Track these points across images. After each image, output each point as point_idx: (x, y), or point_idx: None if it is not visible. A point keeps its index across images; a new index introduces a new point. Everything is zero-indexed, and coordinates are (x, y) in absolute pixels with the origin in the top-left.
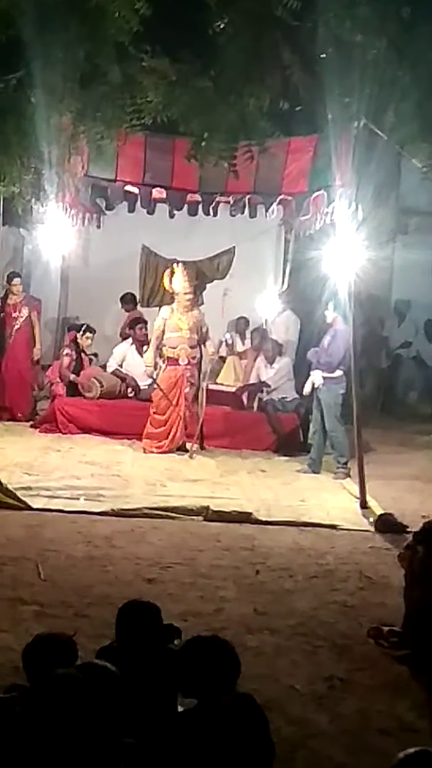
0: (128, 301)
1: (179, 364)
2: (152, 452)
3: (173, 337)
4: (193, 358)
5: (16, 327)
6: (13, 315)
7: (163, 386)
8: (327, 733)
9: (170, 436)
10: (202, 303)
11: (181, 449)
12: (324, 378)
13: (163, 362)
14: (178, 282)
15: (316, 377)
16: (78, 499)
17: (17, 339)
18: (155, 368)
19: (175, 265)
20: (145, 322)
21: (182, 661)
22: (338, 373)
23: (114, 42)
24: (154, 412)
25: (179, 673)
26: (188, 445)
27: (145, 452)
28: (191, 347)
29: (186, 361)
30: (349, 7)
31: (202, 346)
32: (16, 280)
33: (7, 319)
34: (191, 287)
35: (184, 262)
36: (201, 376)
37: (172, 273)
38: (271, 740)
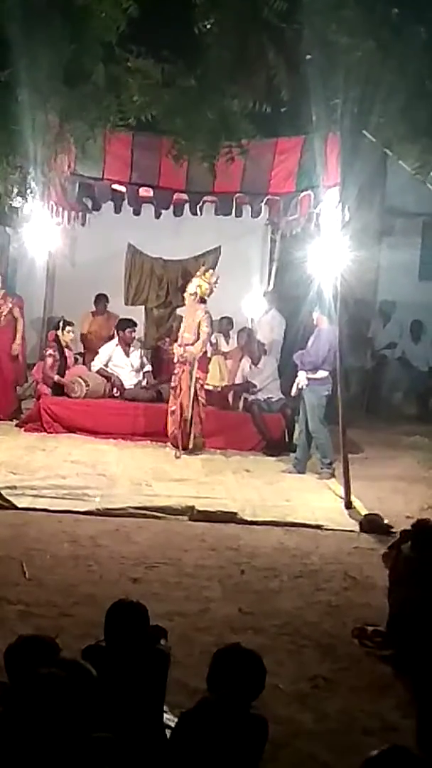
0: (102, 302)
1: (179, 362)
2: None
3: (182, 336)
4: (182, 356)
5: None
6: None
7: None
8: (311, 733)
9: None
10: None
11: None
12: (308, 379)
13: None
14: (192, 285)
15: (301, 378)
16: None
17: (2, 337)
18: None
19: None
20: (135, 324)
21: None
22: (322, 373)
23: (100, 42)
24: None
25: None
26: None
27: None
28: (180, 345)
29: (176, 360)
30: (336, 9)
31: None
32: None
33: None
34: (196, 287)
35: (170, 261)
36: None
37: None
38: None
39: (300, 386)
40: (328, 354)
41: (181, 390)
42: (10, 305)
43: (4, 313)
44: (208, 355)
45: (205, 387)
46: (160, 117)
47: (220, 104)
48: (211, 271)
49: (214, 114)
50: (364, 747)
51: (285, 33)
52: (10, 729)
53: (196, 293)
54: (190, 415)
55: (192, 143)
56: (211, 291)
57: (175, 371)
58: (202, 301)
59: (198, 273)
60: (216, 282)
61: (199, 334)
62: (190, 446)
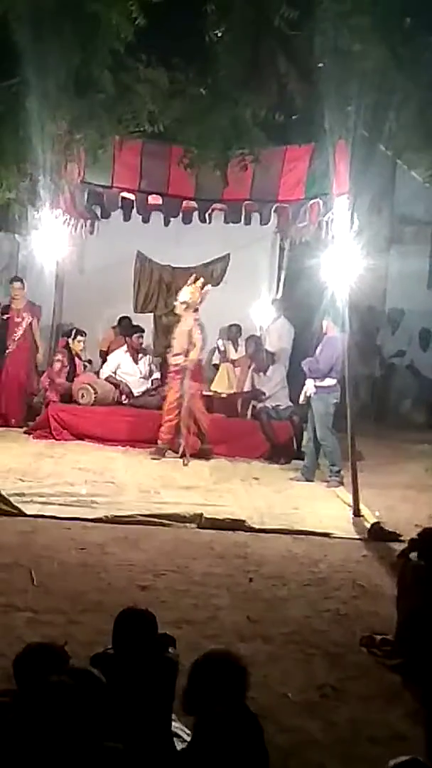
0: (125, 326)
1: (174, 371)
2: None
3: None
4: (175, 365)
5: (19, 333)
6: (16, 320)
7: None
8: (319, 742)
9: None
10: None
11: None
12: (316, 387)
13: None
14: (184, 293)
15: (309, 386)
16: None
17: (20, 346)
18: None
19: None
20: (142, 330)
21: (193, 678)
22: (330, 381)
23: (109, 50)
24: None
25: (188, 691)
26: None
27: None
28: (174, 355)
29: (171, 371)
30: (347, 17)
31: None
32: (17, 284)
33: (10, 324)
34: (189, 298)
35: (178, 269)
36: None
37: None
38: (266, 748)
39: (308, 394)
40: (336, 362)
41: (176, 399)
42: (30, 318)
43: (25, 325)
44: (216, 362)
45: (212, 394)
46: (171, 125)
47: (231, 112)
48: (201, 279)
49: (225, 122)
50: (373, 756)
51: (296, 41)
52: (20, 737)
53: (187, 302)
54: (187, 424)
55: (204, 151)
56: (202, 300)
57: (168, 381)
58: (194, 310)
59: (189, 281)
60: (206, 291)
61: (191, 343)
62: (188, 454)
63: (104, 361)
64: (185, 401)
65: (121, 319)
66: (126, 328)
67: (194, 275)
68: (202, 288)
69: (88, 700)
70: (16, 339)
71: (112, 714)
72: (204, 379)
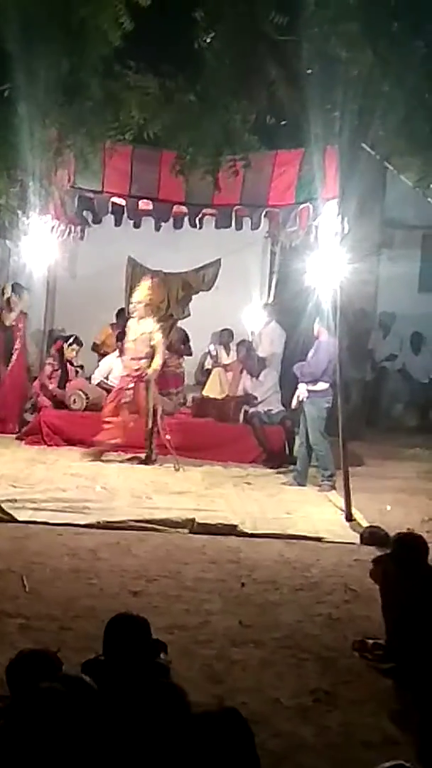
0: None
1: (129, 375)
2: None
3: (127, 349)
4: (136, 370)
5: (19, 341)
6: (19, 326)
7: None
8: (312, 746)
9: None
10: (189, 314)
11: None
12: (308, 391)
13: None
14: (139, 291)
15: (301, 390)
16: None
17: (20, 353)
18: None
19: (146, 276)
20: None
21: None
22: (322, 385)
23: (98, 56)
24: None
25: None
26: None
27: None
28: (132, 359)
29: (125, 373)
30: (336, 23)
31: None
32: (25, 293)
33: (14, 332)
34: (146, 298)
35: (170, 274)
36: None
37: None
38: (256, 754)
39: (300, 398)
40: (328, 366)
41: (137, 406)
42: (23, 324)
43: (21, 332)
44: (208, 366)
45: (204, 398)
46: (161, 132)
47: (221, 118)
48: (156, 279)
49: (216, 128)
50: (365, 761)
51: (285, 47)
52: (12, 743)
53: (145, 302)
54: (151, 431)
55: (195, 157)
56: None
57: (129, 386)
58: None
59: (144, 280)
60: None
61: (152, 347)
62: (154, 458)
63: (97, 352)
64: (151, 407)
65: (120, 311)
66: (126, 320)
67: (150, 275)
68: (152, 289)
69: (79, 706)
70: (18, 347)
71: (104, 721)
72: (179, 383)
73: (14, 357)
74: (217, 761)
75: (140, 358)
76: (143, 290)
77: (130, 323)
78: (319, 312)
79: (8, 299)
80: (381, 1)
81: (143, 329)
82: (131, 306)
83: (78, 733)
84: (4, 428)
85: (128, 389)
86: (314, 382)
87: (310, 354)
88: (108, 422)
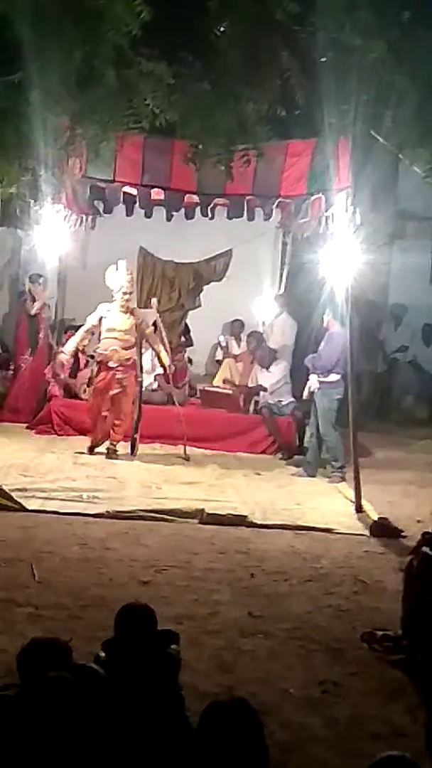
0: None
1: (109, 368)
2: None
3: (107, 338)
4: (127, 359)
5: (42, 331)
6: (42, 316)
7: (93, 390)
8: (320, 738)
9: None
10: (200, 305)
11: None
12: (319, 382)
13: (96, 364)
14: (118, 279)
15: (313, 381)
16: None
17: (43, 345)
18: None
19: (120, 261)
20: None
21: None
22: (334, 377)
23: (112, 45)
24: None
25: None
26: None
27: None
28: (124, 349)
29: (117, 364)
30: (349, 12)
31: (159, 348)
32: (44, 282)
33: (38, 322)
34: (131, 286)
35: (181, 264)
36: (139, 377)
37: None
38: (266, 744)
39: (312, 389)
40: (340, 357)
41: (125, 394)
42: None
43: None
44: (219, 357)
45: (216, 390)
46: (174, 120)
47: (235, 107)
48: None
49: (229, 116)
50: (374, 752)
51: (298, 35)
52: (22, 731)
53: (129, 291)
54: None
55: (207, 146)
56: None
57: (119, 375)
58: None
59: (119, 268)
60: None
61: (141, 335)
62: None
63: None
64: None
65: None
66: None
67: (119, 262)
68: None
69: (88, 695)
70: (42, 337)
71: (115, 709)
72: (183, 375)
73: (39, 346)
74: (227, 751)
75: (129, 348)
76: (123, 279)
77: (113, 312)
78: (330, 303)
79: (29, 290)
80: None
81: (134, 319)
82: (118, 295)
83: (86, 722)
84: (17, 418)
85: (120, 378)
86: (326, 373)
87: (321, 346)
88: (118, 422)
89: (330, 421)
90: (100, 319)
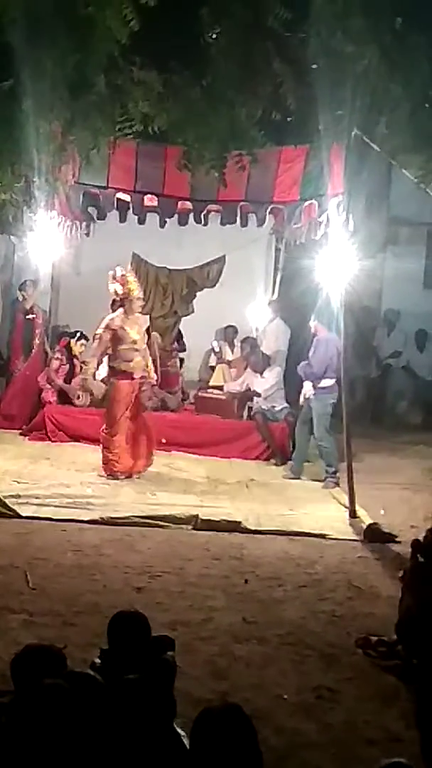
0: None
1: (134, 378)
2: (118, 477)
3: (127, 349)
4: (144, 367)
5: (38, 337)
6: (38, 321)
7: (119, 402)
8: (315, 743)
9: (139, 456)
10: (193, 311)
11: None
12: (314, 388)
13: (114, 376)
14: (135, 286)
15: (307, 388)
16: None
17: (37, 351)
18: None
19: (119, 268)
20: None
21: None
22: (328, 382)
23: (104, 52)
24: (108, 434)
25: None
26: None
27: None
28: (142, 357)
29: (140, 374)
30: (341, 18)
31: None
32: (30, 288)
33: (34, 326)
34: (140, 291)
35: (174, 271)
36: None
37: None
38: (259, 750)
39: (307, 396)
40: (331, 362)
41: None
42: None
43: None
44: (212, 363)
45: (210, 395)
46: (166, 127)
47: (228, 113)
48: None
49: (222, 123)
50: (368, 758)
51: (291, 42)
52: (16, 738)
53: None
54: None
55: (201, 152)
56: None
57: (144, 388)
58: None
59: (126, 274)
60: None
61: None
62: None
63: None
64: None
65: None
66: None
67: (116, 268)
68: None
69: (84, 703)
70: (37, 342)
71: (110, 717)
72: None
73: (33, 352)
74: (220, 757)
75: (144, 356)
76: (134, 283)
77: (129, 322)
78: (322, 309)
79: (20, 298)
80: None
81: (139, 325)
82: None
83: (82, 729)
84: (11, 425)
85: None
86: (318, 379)
87: (310, 353)
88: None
89: (324, 425)
90: (114, 332)
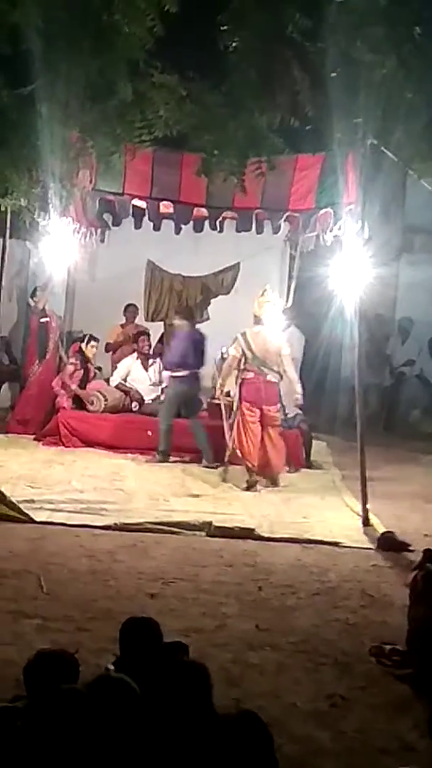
0: (132, 311)
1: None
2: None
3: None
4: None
5: (52, 342)
6: (53, 325)
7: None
8: (329, 751)
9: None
10: (208, 318)
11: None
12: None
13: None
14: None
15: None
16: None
17: (52, 356)
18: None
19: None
20: (148, 335)
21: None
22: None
23: (126, 59)
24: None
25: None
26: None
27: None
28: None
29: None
30: (360, 27)
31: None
32: (39, 293)
33: (48, 329)
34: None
35: (189, 278)
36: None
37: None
38: (275, 757)
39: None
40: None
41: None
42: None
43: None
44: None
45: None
46: (186, 133)
47: (247, 121)
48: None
49: (241, 130)
50: (382, 766)
51: (309, 50)
52: (29, 744)
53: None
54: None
55: (220, 159)
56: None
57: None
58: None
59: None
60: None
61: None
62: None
63: (110, 351)
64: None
65: (128, 305)
66: (133, 313)
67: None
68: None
69: (117, 709)
70: (51, 346)
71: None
72: None
73: (47, 357)
74: (237, 764)
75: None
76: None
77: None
78: (340, 317)
79: (27, 303)
80: (405, 6)
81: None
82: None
83: (98, 735)
84: (26, 430)
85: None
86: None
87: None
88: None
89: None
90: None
